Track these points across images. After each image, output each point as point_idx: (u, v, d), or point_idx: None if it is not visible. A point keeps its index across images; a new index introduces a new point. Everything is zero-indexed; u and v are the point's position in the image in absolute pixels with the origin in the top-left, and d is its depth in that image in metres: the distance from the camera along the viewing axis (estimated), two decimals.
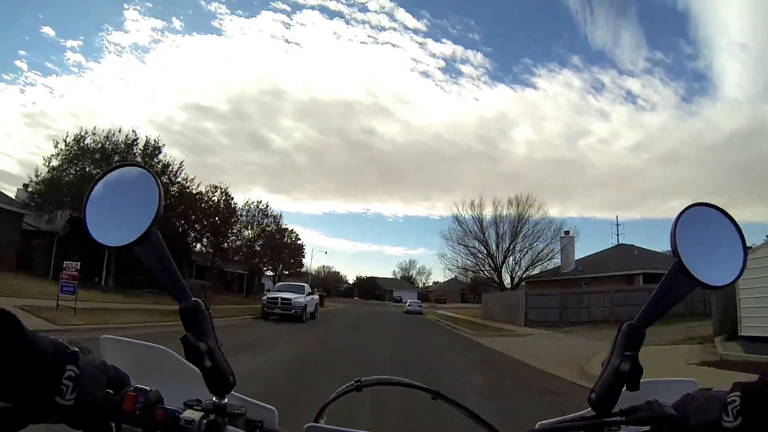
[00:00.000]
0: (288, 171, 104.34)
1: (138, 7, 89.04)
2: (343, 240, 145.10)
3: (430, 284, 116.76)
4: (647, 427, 0.63)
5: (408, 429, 5.03)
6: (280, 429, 0.74)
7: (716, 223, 0.74)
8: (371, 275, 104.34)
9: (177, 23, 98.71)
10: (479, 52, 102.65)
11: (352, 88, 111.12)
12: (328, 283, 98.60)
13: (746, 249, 0.73)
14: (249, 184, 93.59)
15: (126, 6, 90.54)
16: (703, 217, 0.74)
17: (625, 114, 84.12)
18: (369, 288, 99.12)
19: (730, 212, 0.74)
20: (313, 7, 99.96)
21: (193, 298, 0.67)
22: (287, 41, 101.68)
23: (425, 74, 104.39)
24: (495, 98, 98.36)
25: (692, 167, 78.00)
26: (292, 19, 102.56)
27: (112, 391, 0.61)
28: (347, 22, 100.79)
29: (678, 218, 0.72)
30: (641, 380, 0.69)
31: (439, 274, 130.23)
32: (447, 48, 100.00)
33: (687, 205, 0.75)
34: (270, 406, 0.74)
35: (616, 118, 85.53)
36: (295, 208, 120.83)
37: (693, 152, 79.27)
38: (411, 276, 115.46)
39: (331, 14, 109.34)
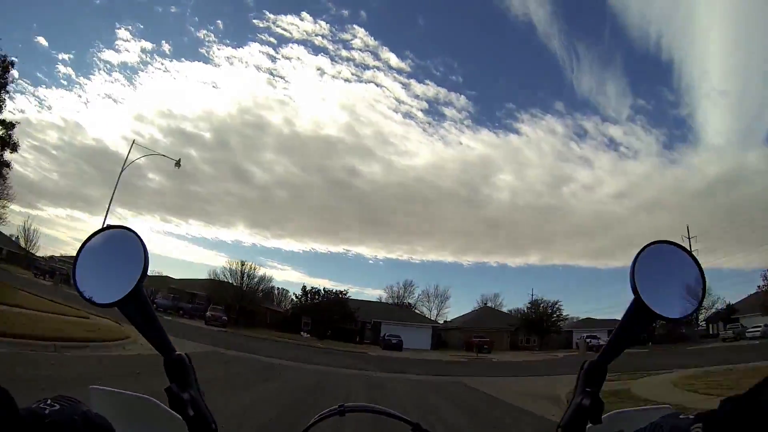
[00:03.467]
0: (269, 206, 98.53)
1: (130, 28, 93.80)
2: (323, 280, 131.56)
3: (449, 318, 67.72)
4: None
5: None
6: None
7: (675, 259, 0.77)
8: (338, 289, 54.65)
9: (166, 47, 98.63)
10: (462, 95, 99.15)
11: (334, 126, 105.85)
12: (249, 298, 47.95)
13: (704, 280, 0.75)
14: (230, 215, 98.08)
15: (118, 25, 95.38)
16: (661, 254, 0.77)
17: (607, 161, 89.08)
18: (333, 315, 48.59)
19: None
20: (298, 42, 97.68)
21: (177, 352, 0.74)
22: (272, 74, 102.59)
23: (408, 115, 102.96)
24: (478, 142, 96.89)
25: (675, 214, 79.23)
26: (278, 52, 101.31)
27: None
28: (332, 59, 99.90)
29: (636, 257, 0.75)
30: (615, 411, 0.77)
31: (462, 302, 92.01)
32: (430, 90, 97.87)
33: (645, 244, 0.78)
34: None
35: (599, 165, 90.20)
36: (275, 245, 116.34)
37: (676, 198, 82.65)
38: (409, 304, 66.05)
39: (316, 50, 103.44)
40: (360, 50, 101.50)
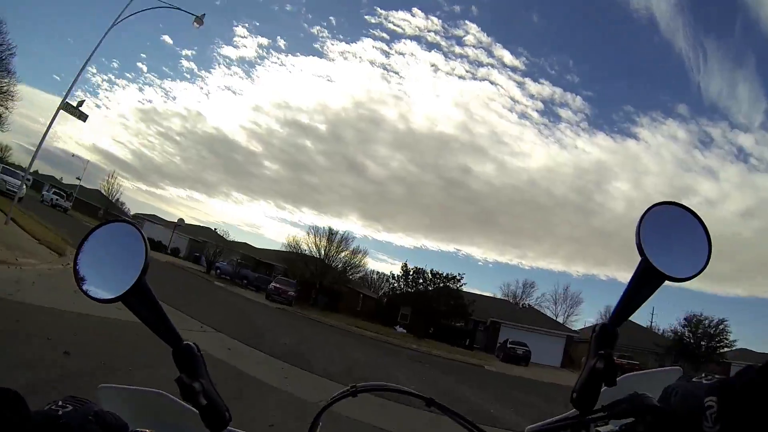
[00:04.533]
0: (382, 200, 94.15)
1: (246, 25, 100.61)
2: None
3: (580, 326, 53.43)
4: (633, 420, 0.66)
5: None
6: None
7: (680, 220, 0.77)
8: (445, 272, 41.83)
9: (281, 42, 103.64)
10: (578, 96, 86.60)
11: (449, 123, 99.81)
12: (335, 276, 38.99)
13: (710, 242, 0.75)
14: (342, 206, 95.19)
15: (235, 23, 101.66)
16: (666, 216, 0.76)
17: (735, 173, 75.82)
18: (440, 307, 37.49)
19: None
20: (411, 38, 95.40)
21: (185, 342, 0.72)
22: (386, 69, 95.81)
23: (523, 115, 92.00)
24: (594, 147, 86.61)
25: None
26: (391, 48, 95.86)
27: None
28: (445, 55, 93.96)
29: (642, 218, 0.75)
30: (628, 375, 0.78)
31: (592, 307, 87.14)
32: (545, 89, 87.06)
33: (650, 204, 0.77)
34: None
35: (724, 177, 76.99)
36: (386, 238, 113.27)
37: None
38: (529, 306, 52.85)
39: (429, 46, 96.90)
40: (473, 47, 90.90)
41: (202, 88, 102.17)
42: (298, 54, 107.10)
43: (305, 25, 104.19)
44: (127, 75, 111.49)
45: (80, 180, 54.29)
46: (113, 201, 55.33)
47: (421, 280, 41.41)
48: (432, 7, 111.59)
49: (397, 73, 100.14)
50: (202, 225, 41.39)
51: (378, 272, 57.27)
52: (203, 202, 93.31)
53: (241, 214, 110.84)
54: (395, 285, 44.29)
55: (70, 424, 0.56)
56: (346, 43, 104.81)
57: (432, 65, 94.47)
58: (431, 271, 41.31)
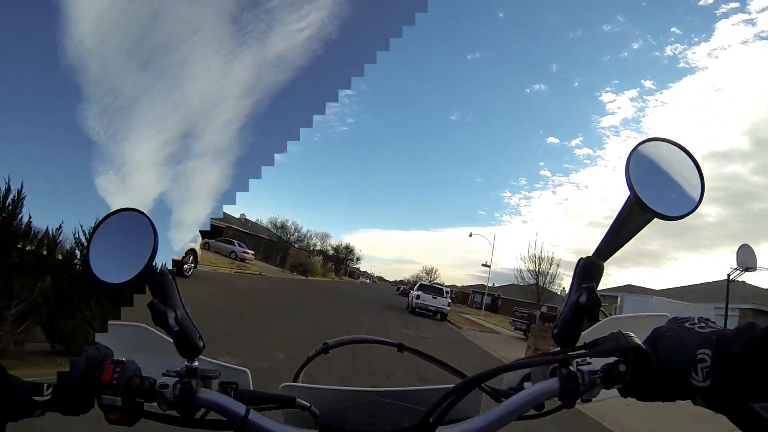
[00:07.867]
0: None
1: (610, 88, 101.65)
2: None
3: None
4: (614, 359, 0.61)
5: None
6: (254, 389, 0.75)
7: (672, 157, 0.72)
8: None
9: (647, 84, 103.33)
10: None
11: None
12: None
13: (703, 180, 0.70)
14: None
15: (598, 93, 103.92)
16: (658, 152, 0.72)
17: None
18: None
19: None
20: None
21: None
22: (761, 38, 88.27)
23: None
24: None
25: None
26: (750, 13, 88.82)
27: (93, 369, 0.65)
28: None
29: (631, 153, 0.70)
30: (613, 317, 0.77)
31: None
32: None
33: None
34: (243, 368, 0.78)
35: None
36: None
37: None
38: None
39: None
40: None
41: (605, 166, 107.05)
42: (670, 84, 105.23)
43: (656, 53, 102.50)
44: (537, 185, 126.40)
45: (489, 266, 50.69)
46: (541, 286, 46.04)
47: None
48: None
49: None
50: None
51: None
52: None
53: None
54: None
55: (60, 385, 0.62)
56: (705, 42, 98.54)
57: None
58: None
